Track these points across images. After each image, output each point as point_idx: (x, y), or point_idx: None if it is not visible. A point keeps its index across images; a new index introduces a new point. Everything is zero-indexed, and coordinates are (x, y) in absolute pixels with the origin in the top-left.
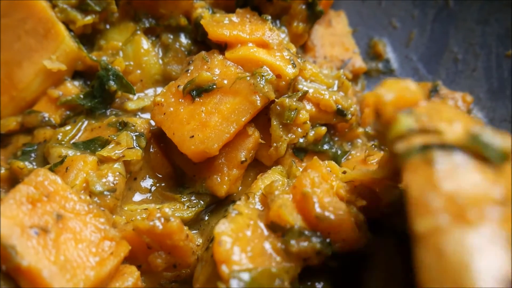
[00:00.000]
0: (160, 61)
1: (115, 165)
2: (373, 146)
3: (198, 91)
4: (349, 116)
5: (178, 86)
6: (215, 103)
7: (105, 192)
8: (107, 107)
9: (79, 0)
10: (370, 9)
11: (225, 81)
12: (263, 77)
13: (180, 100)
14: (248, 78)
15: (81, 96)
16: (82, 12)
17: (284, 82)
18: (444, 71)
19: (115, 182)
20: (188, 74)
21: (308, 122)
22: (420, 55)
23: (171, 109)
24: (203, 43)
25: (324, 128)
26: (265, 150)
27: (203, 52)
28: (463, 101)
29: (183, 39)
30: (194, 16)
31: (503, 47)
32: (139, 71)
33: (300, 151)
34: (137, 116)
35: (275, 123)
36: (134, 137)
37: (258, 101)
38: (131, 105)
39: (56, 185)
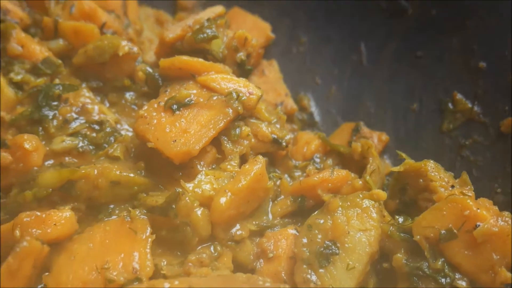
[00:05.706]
0: None
1: None
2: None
3: (178, 105)
4: (284, 144)
5: (159, 102)
6: (193, 115)
7: None
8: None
9: (32, 66)
10: (297, 67)
11: (201, 99)
12: (239, 97)
13: (161, 113)
14: (222, 97)
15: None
16: (35, 75)
17: (254, 96)
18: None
19: None
20: (167, 93)
21: (250, 134)
22: (338, 108)
23: (155, 121)
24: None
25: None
26: None
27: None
28: (379, 140)
29: (128, 96)
30: (141, 75)
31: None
32: None
33: None
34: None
35: (225, 143)
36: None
37: (231, 112)
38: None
39: None
